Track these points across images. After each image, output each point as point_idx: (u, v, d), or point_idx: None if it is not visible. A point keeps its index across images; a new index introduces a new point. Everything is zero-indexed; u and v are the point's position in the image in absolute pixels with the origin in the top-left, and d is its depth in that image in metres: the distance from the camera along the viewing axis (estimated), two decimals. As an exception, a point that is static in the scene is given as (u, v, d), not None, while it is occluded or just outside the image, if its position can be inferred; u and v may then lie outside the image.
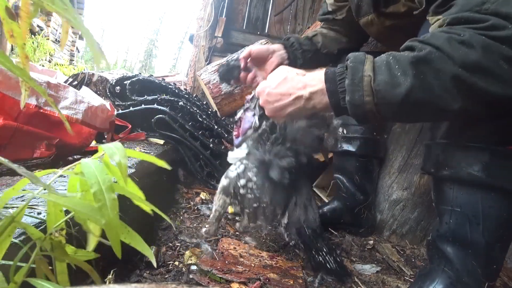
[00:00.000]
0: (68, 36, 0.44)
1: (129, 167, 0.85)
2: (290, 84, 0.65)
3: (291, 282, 0.76)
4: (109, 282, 0.57)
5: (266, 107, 0.69)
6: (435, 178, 0.76)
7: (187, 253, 0.81)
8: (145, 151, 1.11)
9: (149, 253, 0.37)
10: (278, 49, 1.01)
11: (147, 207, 0.39)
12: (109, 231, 0.31)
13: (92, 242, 0.37)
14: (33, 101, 0.92)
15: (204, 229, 0.87)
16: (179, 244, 0.86)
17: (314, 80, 0.63)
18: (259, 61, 0.97)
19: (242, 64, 0.98)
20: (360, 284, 0.84)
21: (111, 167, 0.37)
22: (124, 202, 0.67)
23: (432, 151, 0.75)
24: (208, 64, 2.34)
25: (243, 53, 0.97)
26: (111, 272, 0.60)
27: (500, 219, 0.65)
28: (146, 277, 0.68)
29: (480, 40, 0.47)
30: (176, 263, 0.77)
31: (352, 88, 0.56)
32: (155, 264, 0.38)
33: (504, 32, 0.46)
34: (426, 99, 0.51)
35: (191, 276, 0.72)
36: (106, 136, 1.24)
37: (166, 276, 0.71)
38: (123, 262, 0.70)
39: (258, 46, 0.97)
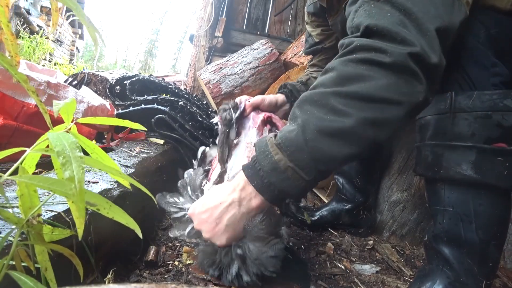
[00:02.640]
0: (58, 15, 0.44)
1: (129, 166, 0.85)
2: (218, 193, 0.62)
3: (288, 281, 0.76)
4: (109, 282, 0.57)
5: (202, 228, 0.63)
6: (427, 179, 0.77)
7: (184, 253, 0.82)
8: (145, 151, 1.11)
9: (134, 225, 0.37)
10: (281, 101, 1.00)
11: (125, 182, 0.38)
12: (73, 189, 0.29)
13: (79, 226, 0.35)
14: (33, 101, 0.92)
15: None
16: (178, 244, 0.86)
17: (239, 179, 0.60)
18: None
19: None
20: (360, 284, 0.84)
21: (80, 138, 0.36)
22: (123, 202, 0.67)
23: (422, 152, 0.76)
24: (208, 64, 2.33)
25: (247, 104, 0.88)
26: (111, 271, 0.60)
27: (492, 217, 0.65)
28: (145, 277, 0.68)
29: (336, 61, 0.56)
30: (176, 263, 0.77)
31: (262, 157, 0.56)
32: (141, 236, 0.37)
33: (352, 45, 0.54)
34: (321, 126, 0.52)
35: (190, 276, 0.72)
36: (106, 136, 1.24)
37: (166, 276, 0.71)
38: (122, 262, 0.70)
39: (261, 100, 0.91)
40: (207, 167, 0.86)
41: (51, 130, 0.37)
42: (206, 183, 0.79)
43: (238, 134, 0.81)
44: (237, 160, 0.76)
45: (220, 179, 0.76)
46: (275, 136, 0.57)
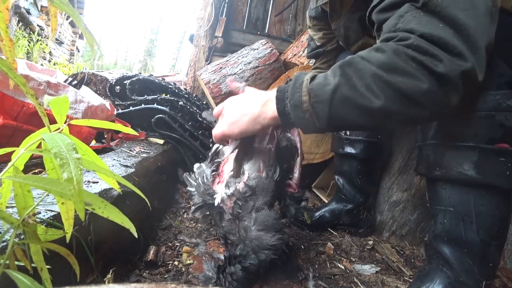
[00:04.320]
0: (57, 20, 0.44)
1: (129, 166, 0.85)
2: (252, 96, 0.70)
3: (288, 281, 0.76)
4: (108, 282, 0.57)
5: (225, 111, 0.72)
6: (428, 179, 0.77)
7: (184, 253, 0.82)
8: (145, 151, 1.11)
9: (129, 225, 0.36)
10: None
11: (115, 184, 0.38)
12: (72, 190, 0.29)
13: (67, 228, 0.36)
14: (33, 100, 0.92)
15: None
16: (178, 244, 0.86)
17: (265, 96, 0.68)
18: None
19: None
20: (360, 284, 0.84)
21: (73, 138, 0.36)
22: (123, 201, 0.67)
23: (423, 152, 0.76)
24: (208, 64, 2.33)
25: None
26: (110, 271, 0.60)
27: (493, 217, 0.65)
28: (145, 277, 0.68)
29: (390, 46, 0.56)
30: (176, 263, 0.77)
31: (293, 91, 0.63)
32: (135, 235, 0.37)
33: (409, 41, 0.55)
34: (351, 96, 0.56)
35: (190, 276, 0.72)
36: (105, 136, 1.24)
37: (166, 276, 0.71)
38: (122, 262, 0.70)
39: None
40: (216, 160, 0.87)
41: (41, 131, 0.37)
42: (218, 182, 0.82)
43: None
44: (254, 166, 0.79)
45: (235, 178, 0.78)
46: (313, 78, 0.62)
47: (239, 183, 0.76)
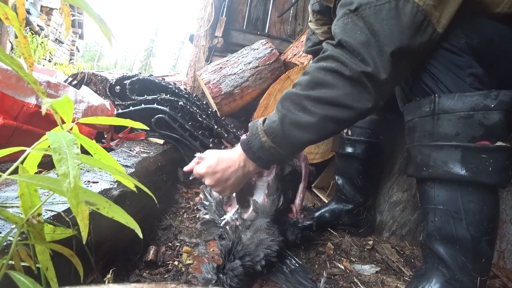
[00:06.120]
0: (70, 19, 0.45)
1: (129, 166, 0.85)
2: (227, 160, 0.79)
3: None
4: (108, 282, 0.57)
5: (213, 183, 0.80)
6: (417, 180, 0.78)
7: (184, 253, 0.82)
8: (145, 150, 1.11)
9: (134, 225, 0.36)
10: None
11: (127, 182, 0.39)
12: (67, 185, 0.28)
13: (82, 230, 0.35)
14: (33, 101, 0.92)
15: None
16: (178, 244, 0.86)
17: (240, 151, 0.78)
18: None
19: None
20: (360, 284, 0.84)
21: (82, 138, 0.36)
22: (123, 201, 0.67)
23: (411, 154, 0.77)
24: (208, 64, 2.33)
25: None
26: (110, 271, 0.60)
27: (481, 213, 0.66)
28: (145, 276, 0.68)
29: (312, 67, 0.69)
30: (176, 263, 0.77)
31: (253, 138, 0.75)
32: (141, 236, 0.37)
33: (327, 53, 0.68)
34: (294, 120, 0.69)
35: (190, 276, 0.72)
36: (106, 136, 1.24)
37: (166, 276, 0.71)
38: (122, 262, 0.70)
39: None
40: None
41: (54, 130, 0.37)
42: (230, 204, 0.94)
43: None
44: (258, 200, 0.89)
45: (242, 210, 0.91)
46: (264, 121, 0.74)
47: (246, 213, 0.87)
